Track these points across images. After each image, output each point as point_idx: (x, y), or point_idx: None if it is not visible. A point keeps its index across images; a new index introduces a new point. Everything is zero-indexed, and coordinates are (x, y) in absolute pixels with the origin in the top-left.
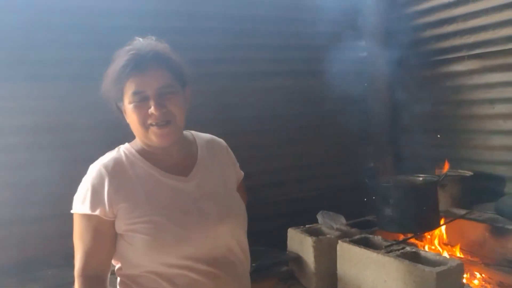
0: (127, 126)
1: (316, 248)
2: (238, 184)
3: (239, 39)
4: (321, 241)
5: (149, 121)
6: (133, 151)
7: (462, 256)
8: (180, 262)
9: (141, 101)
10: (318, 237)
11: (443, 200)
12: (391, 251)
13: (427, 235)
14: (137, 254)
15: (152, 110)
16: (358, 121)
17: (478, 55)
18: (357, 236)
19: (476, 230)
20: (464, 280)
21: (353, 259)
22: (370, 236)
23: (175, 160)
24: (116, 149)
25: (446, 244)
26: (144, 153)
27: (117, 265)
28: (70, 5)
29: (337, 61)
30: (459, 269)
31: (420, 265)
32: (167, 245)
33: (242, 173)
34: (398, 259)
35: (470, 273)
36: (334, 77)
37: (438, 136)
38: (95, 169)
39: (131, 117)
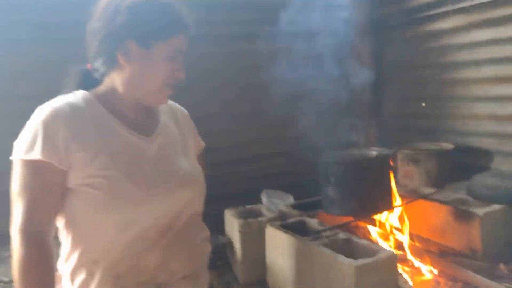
0: None
1: (243, 233)
2: (198, 155)
3: None
4: (250, 225)
5: (171, 81)
6: (94, 99)
7: (417, 244)
8: (131, 226)
9: (176, 59)
10: (247, 220)
11: (417, 178)
12: (319, 238)
13: (379, 219)
14: (90, 213)
15: (180, 71)
16: (339, 89)
17: (463, 10)
18: (292, 219)
19: (439, 214)
20: (406, 276)
21: (280, 246)
22: (307, 219)
23: (138, 118)
24: (71, 94)
25: (400, 230)
26: (106, 103)
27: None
28: None
29: (316, 22)
30: (390, 263)
31: (341, 257)
32: (123, 206)
33: (203, 143)
34: (320, 248)
35: (422, 266)
36: (311, 39)
37: (423, 104)
38: (46, 111)
39: (156, 69)
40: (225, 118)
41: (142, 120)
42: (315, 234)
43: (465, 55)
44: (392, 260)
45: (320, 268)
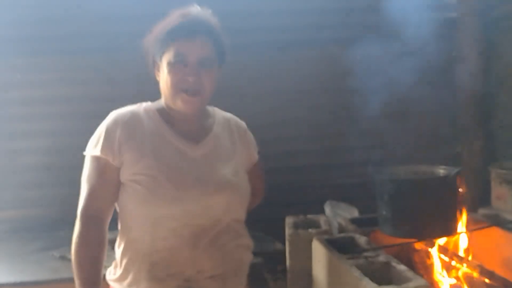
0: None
1: (291, 243)
2: (251, 168)
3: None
4: (299, 236)
5: (182, 86)
6: (153, 108)
7: (477, 275)
8: (166, 221)
9: (180, 64)
10: (297, 231)
11: (510, 201)
12: (357, 257)
13: (443, 244)
14: (134, 205)
15: (188, 76)
16: (442, 96)
17: None
18: (341, 235)
19: (510, 245)
20: None
21: (321, 260)
22: (357, 236)
23: (190, 127)
24: (138, 104)
25: (460, 258)
26: (162, 113)
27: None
28: None
29: (419, 24)
30: None
31: (366, 280)
32: (159, 201)
33: (257, 157)
34: (351, 268)
35: None
36: (413, 43)
37: None
38: (112, 116)
39: (165, 77)
40: (309, 123)
41: (193, 129)
42: (355, 253)
43: None
44: None
45: None
